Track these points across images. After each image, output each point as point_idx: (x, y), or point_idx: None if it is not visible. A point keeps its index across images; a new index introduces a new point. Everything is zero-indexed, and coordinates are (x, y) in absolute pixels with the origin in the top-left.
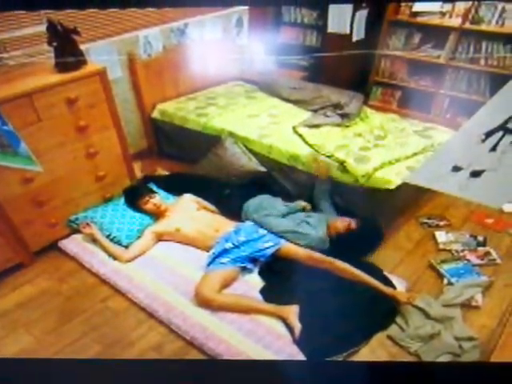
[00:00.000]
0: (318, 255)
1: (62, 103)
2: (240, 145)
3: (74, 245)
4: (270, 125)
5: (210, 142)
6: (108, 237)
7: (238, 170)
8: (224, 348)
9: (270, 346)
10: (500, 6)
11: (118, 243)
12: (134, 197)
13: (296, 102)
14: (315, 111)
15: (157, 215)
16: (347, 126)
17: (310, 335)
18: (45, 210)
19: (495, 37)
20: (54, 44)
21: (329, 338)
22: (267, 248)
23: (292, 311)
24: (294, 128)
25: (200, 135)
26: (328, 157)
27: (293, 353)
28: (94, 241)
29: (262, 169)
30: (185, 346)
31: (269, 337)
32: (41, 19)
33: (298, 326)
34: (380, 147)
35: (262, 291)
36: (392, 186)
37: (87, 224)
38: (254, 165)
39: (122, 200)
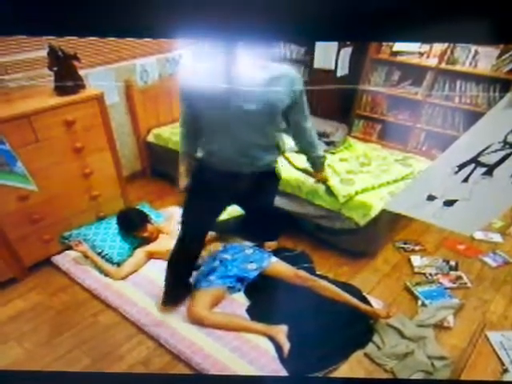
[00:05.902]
0: (302, 273)
1: (59, 125)
2: None
3: (66, 261)
4: None
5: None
6: (100, 254)
7: None
8: (210, 363)
9: (254, 361)
10: (473, 48)
11: (110, 260)
12: (128, 229)
13: (284, 131)
14: None
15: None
16: (333, 153)
17: (292, 353)
18: (39, 226)
19: (469, 77)
20: (55, 68)
21: (310, 355)
22: (252, 270)
23: (281, 330)
24: (282, 152)
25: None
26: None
27: (276, 369)
28: (86, 258)
29: None
30: (172, 360)
31: (254, 353)
32: (42, 44)
33: (287, 345)
34: (365, 173)
35: (248, 310)
36: (374, 212)
37: (79, 242)
38: None
39: (115, 219)
